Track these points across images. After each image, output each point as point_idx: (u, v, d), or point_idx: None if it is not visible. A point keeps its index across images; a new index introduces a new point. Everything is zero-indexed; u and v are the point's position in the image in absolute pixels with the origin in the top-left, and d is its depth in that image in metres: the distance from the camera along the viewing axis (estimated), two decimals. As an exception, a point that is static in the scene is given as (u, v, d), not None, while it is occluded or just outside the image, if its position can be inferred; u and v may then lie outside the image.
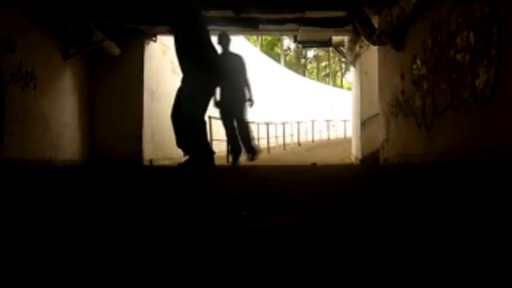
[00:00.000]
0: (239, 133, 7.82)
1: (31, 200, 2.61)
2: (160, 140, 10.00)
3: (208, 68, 5.55)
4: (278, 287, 1.08)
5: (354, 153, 10.74)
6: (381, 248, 1.41)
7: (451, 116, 4.72)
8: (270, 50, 39.23)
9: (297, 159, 12.03)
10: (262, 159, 12.85)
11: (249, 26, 8.81)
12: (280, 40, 38.93)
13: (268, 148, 16.23)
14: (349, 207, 2.24)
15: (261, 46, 34.87)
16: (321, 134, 24.53)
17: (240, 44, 17.21)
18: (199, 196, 2.81)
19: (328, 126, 25.93)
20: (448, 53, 4.77)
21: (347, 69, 39.38)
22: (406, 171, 5.02)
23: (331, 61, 45.42)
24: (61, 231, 1.71)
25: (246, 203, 2.34)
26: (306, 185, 3.45)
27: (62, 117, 7.56)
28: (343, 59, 23.59)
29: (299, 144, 20.26)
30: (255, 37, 31.03)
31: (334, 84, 42.17)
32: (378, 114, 8.40)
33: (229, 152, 7.94)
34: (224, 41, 7.75)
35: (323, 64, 48.37)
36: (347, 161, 11.16)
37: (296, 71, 35.41)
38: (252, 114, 16.55)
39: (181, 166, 6.06)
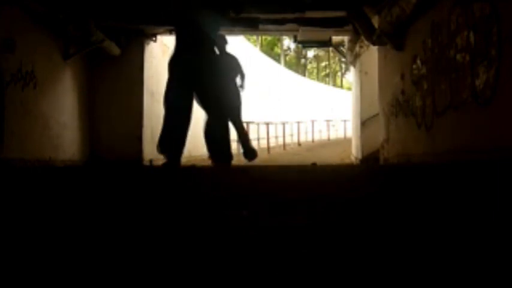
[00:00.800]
0: (237, 134, 7.80)
1: (31, 200, 2.61)
2: (160, 140, 9.99)
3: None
4: (278, 287, 1.08)
5: (354, 153, 10.74)
6: (381, 248, 1.41)
7: (451, 116, 4.72)
8: (270, 50, 39.21)
9: (297, 159, 12.03)
10: (262, 159, 12.83)
11: (249, 26, 8.81)
12: (280, 40, 38.89)
13: (268, 148, 16.22)
14: (349, 207, 2.24)
15: (261, 46, 34.85)
16: (321, 134, 24.51)
17: (240, 44, 17.21)
18: (199, 196, 2.81)
19: (328, 126, 25.91)
20: (448, 53, 4.77)
21: (347, 69, 39.36)
22: (406, 171, 5.02)
23: (331, 61, 45.40)
24: (61, 231, 1.71)
25: (246, 203, 2.34)
26: (306, 185, 3.45)
27: (62, 117, 7.56)
28: (343, 59, 23.59)
29: (299, 144, 20.24)
30: (255, 37, 31.00)
31: (334, 84, 42.15)
32: (378, 114, 8.40)
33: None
34: (220, 43, 7.77)
35: (323, 64, 48.34)
36: (347, 161, 11.16)
37: (296, 71, 35.39)
38: (252, 114, 16.59)
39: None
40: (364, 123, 9.48)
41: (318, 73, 48.01)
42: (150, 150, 9.19)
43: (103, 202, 2.53)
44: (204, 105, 6.47)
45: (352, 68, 11.29)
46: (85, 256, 1.36)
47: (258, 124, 16.75)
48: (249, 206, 2.18)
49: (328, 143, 20.70)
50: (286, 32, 10.38)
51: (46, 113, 6.96)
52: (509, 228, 1.61)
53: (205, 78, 5.83)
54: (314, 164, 6.76)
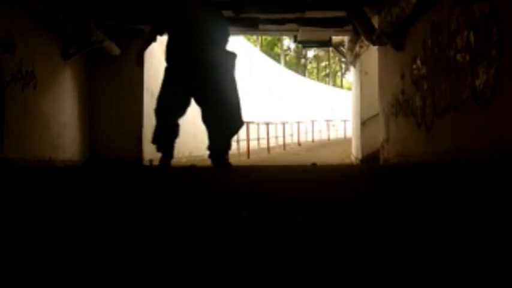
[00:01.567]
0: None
1: (31, 200, 2.61)
2: (160, 140, 10.00)
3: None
4: (278, 287, 1.08)
5: (354, 153, 10.74)
6: (381, 248, 1.41)
7: (451, 116, 4.72)
8: (270, 50, 39.21)
9: (296, 159, 12.03)
10: (262, 159, 12.85)
11: (249, 26, 8.81)
12: (280, 40, 38.90)
13: (268, 148, 16.23)
14: (349, 207, 2.24)
15: (261, 46, 34.84)
16: (321, 134, 24.52)
17: (240, 44, 17.21)
18: (199, 196, 2.81)
19: (328, 126, 25.91)
20: (448, 53, 4.77)
21: (347, 69, 39.36)
22: (406, 171, 5.02)
23: (331, 61, 45.41)
24: (62, 231, 1.71)
25: (246, 203, 2.34)
26: (306, 185, 3.45)
27: (62, 117, 7.56)
28: (343, 59, 23.58)
29: (299, 144, 20.25)
30: (255, 37, 31.01)
31: (334, 84, 42.15)
32: (378, 114, 8.40)
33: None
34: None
35: (323, 64, 48.36)
36: (347, 161, 11.16)
37: (296, 71, 35.40)
38: (252, 114, 16.59)
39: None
40: (364, 123, 9.48)
41: (318, 73, 48.01)
42: (150, 150, 9.19)
43: (103, 202, 2.54)
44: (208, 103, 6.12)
45: (352, 68, 11.29)
46: (85, 257, 1.36)
47: (258, 124, 16.75)
48: (249, 206, 2.18)
49: (328, 143, 20.71)
50: (286, 32, 10.38)
51: (46, 113, 6.96)
52: (509, 228, 1.61)
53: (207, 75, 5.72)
54: (314, 164, 6.76)
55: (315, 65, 49.67)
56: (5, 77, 5.76)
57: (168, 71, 5.94)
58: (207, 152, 6.49)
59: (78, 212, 2.17)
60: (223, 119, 5.88)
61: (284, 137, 18.97)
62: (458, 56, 4.52)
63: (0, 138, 5.58)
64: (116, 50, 8.63)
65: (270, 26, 9.07)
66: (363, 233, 1.62)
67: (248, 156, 13.23)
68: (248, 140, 14.01)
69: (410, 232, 1.63)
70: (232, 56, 6.45)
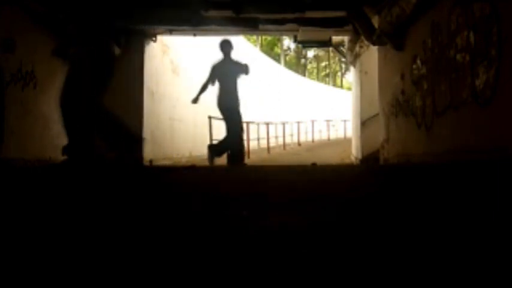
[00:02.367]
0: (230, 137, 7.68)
1: (31, 199, 2.61)
2: (161, 140, 10.00)
3: None
4: (278, 286, 1.08)
5: (354, 153, 10.74)
6: (380, 249, 1.41)
7: (451, 116, 4.72)
8: (270, 50, 39.19)
9: (297, 159, 12.02)
10: (262, 159, 12.84)
11: (249, 26, 8.80)
12: (280, 40, 38.87)
13: (268, 148, 16.22)
14: (349, 207, 2.24)
15: (261, 46, 34.83)
16: (321, 134, 24.51)
17: (240, 44, 17.20)
18: (199, 196, 2.81)
19: (328, 126, 25.91)
20: (448, 53, 4.77)
21: (347, 69, 39.34)
22: (406, 171, 5.02)
23: (331, 61, 45.39)
24: (64, 230, 1.71)
25: (246, 203, 2.34)
26: (306, 185, 3.45)
27: (62, 117, 7.55)
28: (343, 59, 23.57)
29: (299, 144, 20.24)
30: (255, 37, 30.99)
31: (334, 84, 42.13)
32: (378, 114, 8.40)
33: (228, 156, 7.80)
34: (226, 48, 7.65)
35: (323, 64, 48.33)
36: (347, 161, 11.16)
37: (296, 71, 35.38)
38: (252, 114, 16.58)
39: None
40: (364, 123, 9.48)
41: (318, 73, 47.99)
42: (150, 150, 9.20)
43: (104, 202, 2.53)
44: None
45: (352, 68, 11.29)
46: (85, 254, 1.36)
47: (258, 124, 16.73)
48: (248, 206, 2.18)
49: (328, 143, 20.70)
50: (286, 32, 10.37)
51: (46, 113, 6.95)
52: (509, 228, 1.61)
53: None
54: (314, 164, 6.75)
55: (315, 65, 49.65)
56: (5, 77, 5.76)
57: None
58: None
59: (80, 211, 2.17)
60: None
61: (284, 137, 18.96)
62: (458, 56, 4.51)
63: (0, 138, 5.58)
64: (116, 50, 8.62)
65: (270, 26, 9.06)
66: (362, 233, 1.62)
67: (248, 156, 13.22)
68: (248, 140, 14.02)
69: (410, 232, 1.63)
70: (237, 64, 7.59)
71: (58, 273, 1.17)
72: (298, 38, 10.08)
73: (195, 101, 7.70)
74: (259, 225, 1.76)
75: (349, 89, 24.20)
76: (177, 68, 11.46)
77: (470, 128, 4.27)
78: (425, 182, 3.45)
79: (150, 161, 8.96)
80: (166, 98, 10.48)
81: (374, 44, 7.85)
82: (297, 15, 8.30)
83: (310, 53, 46.63)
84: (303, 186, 3.38)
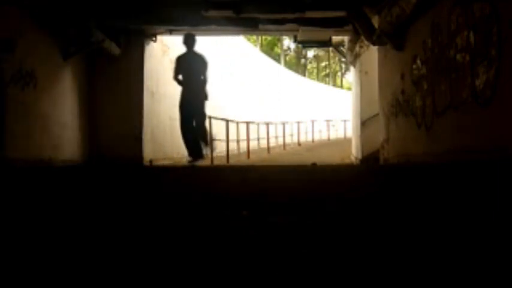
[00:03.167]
0: (196, 129, 7.92)
1: (32, 199, 2.61)
2: (161, 140, 9.99)
3: None
4: (278, 286, 1.08)
5: (354, 153, 10.74)
6: (380, 249, 1.40)
7: (451, 116, 4.72)
8: (270, 50, 39.17)
9: (297, 159, 12.02)
10: (262, 159, 12.83)
11: (249, 26, 8.80)
12: (280, 40, 38.86)
13: (268, 148, 16.21)
14: (349, 207, 2.24)
15: (261, 46, 34.82)
16: (321, 134, 24.50)
17: (240, 44, 17.19)
18: (199, 196, 2.81)
19: (328, 126, 25.90)
20: (448, 53, 4.77)
21: (347, 69, 39.33)
22: (406, 171, 5.02)
23: (331, 61, 45.37)
24: (59, 230, 1.71)
25: (246, 203, 2.34)
26: (306, 185, 3.45)
27: (62, 117, 7.56)
28: (343, 59, 23.56)
29: (299, 144, 20.23)
30: (255, 37, 30.98)
31: (334, 84, 42.11)
32: (378, 114, 8.40)
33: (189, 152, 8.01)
34: (189, 42, 8.02)
35: (323, 64, 48.30)
36: (347, 161, 11.16)
37: (296, 71, 35.35)
38: (252, 114, 16.58)
39: None
40: (364, 123, 9.47)
41: (318, 73, 47.98)
42: (150, 150, 9.20)
43: (106, 202, 2.53)
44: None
45: (352, 68, 11.29)
46: (87, 252, 1.36)
47: (258, 124, 16.73)
48: (248, 206, 2.18)
49: (328, 143, 20.70)
50: (286, 32, 10.37)
51: (46, 113, 6.95)
52: (509, 228, 1.61)
53: None
54: (314, 164, 6.76)
55: (315, 65, 49.62)
56: (5, 77, 5.76)
57: None
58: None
59: (82, 211, 2.17)
60: None
61: (284, 137, 18.95)
62: (458, 56, 4.51)
63: (0, 138, 5.58)
64: (116, 50, 8.62)
65: (270, 26, 9.06)
66: (362, 234, 1.62)
67: (248, 156, 13.21)
68: (248, 140, 14.01)
69: (410, 232, 1.63)
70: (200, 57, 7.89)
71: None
72: (298, 38, 10.08)
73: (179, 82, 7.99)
74: (259, 225, 1.76)
75: (349, 89, 24.19)
76: (177, 68, 11.43)
77: (470, 128, 4.27)
78: (425, 182, 3.45)
79: (150, 161, 8.96)
80: (166, 97, 10.48)
81: (374, 44, 7.85)
82: (297, 15, 8.29)
83: (310, 53, 46.63)
84: (303, 186, 3.38)
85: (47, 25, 6.77)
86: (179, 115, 7.99)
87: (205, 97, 7.98)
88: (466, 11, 4.34)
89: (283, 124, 19.46)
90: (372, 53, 8.91)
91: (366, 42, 8.34)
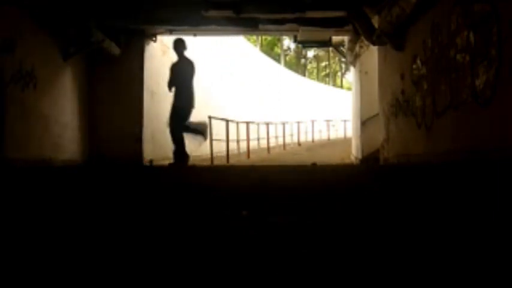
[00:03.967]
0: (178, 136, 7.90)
1: (32, 199, 2.61)
2: (161, 140, 9.99)
3: None
4: (277, 286, 1.08)
5: (354, 153, 10.73)
6: (380, 249, 1.40)
7: (451, 116, 4.72)
8: (270, 50, 39.17)
9: (297, 159, 12.02)
10: (262, 159, 12.83)
11: (249, 26, 8.80)
12: (280, 40, 38.87)
13: (268, 148, 16.21)
14: (349, 207, 2.24)
15: (261, 46, 34.82)
16: (321, 134, 24.50)
17: (240, 44, 17.19)
18: (199, 196, 2.80)
19: (328, 126, 25.90)
20: (448, 53, 4.77)
21: (347, 69, 39.33)
22: (406, 171, 5.02)
23: (331, 61, 45.37)
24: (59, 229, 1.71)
25: (246, 203, 2.34)
26: (306, 185, 3.45)
27: (62, 117, 7.55)
28: (343, 59, 23.56)
29: (299, 144, 20.24)
30: (255, 37, 30.98)
31: (334, 84, 42.11)
32: (378, 114, 8.40)
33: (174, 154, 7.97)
34: (180, 47, 8.03)
35: (323, 64, 48.31)
36: (347, 161, 11.16)
37: (296, 71, 35.35)
38: (252, 114, 16.58)
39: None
40: (364, 123, 9.47)
41: (318, 73, 47.98)
42: (150, 150, 9.19)
43: (108, 202, 2.53)
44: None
45: (352, 68, 11.29)
46: (91, 262, 1.36)
47: (258, 124, 16.73)
48: (248, 206, 2.18)
49: (328, 143, 20.70)
50: (286, 32, 10.37)
51: (46, 113, 6.95)
52: (509, 228, 1.61)
53: None
54: (314, 164, 6.76)
55: (315, 65, 49.63)
56: (5, 77, 5.76)
57: None
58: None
59: (84, 210, 2.16)
60: None
61: (284, 137, 18.95)
62: (458, 56, 4.51)
63: (0, 138, 5.58)
64: (116, 50, 8.62)
65: (270, 26, 9.06)
66: (362, 234, 1.62)
67: (248, 156, 13.22)
68: (248, 140, 14.01)
69: (410, 232, 1.63)
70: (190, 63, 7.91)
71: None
72: (298, 38, 10.08)
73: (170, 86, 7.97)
74: (259, 225, 1.76)
75: (349, 89, 24.19)
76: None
77: (470, 128, 4.27)
78: (425, 182, 3.45)
79: (150, 161, 8.95)
80: (166, 98, 10.47)
81: (374, 44, 7.85)
82: (297, 15, 8.29)
83: (310, 53, 46.63)
84: (303, 186, 3.38)
85: (47, 25, 6.76)
86: (169, 121, 7.93)
87: (192, 105, 7.96)
88: (466, 11, 4.34)
89: (283, 124, 19.46)
90: (372, 53, 8.91)
91: (366, 42, 8.34)
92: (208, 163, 9.79)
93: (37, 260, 1.31)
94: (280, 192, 2.85)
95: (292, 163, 9.72)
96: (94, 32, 7.52)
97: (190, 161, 8.10)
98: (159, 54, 10.13)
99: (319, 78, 44.49)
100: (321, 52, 43.65)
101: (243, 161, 10.15)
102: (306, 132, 22.82)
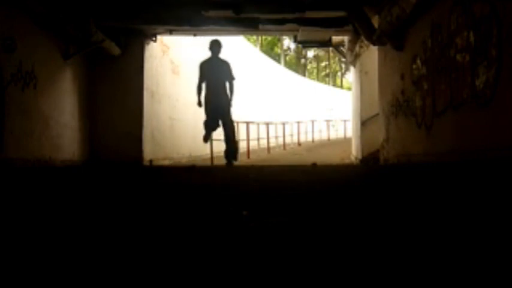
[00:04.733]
0: (224, 135, 7.88)
1: (32, 199, 2.61)
2: (161, 140, 9.99)
3: None
4: (277, 285, 1.08)
5: (354, 153, 10.73)
6: (380, 250, 1.40)
7: (451, 116, 4.72)
8: (270, 50, 39.15)
9: (297, 159, 12.02)
10: (262, 159, 12.84)
11: (249, 26, 8.80)
12: (280, 40, 38.84)
13: (268, 148, 16.21)
14: (350, 208, 2.24)
15: (261, 46, 34.80)
16: (321, 134, 24.50)
17: (240, 44, 17.17)
18: (198, 196, 2.81)
19: (328, 126, 25.89)
20: (448, 53, 4.77)
21: (347, 69, 39.31)
22: (406, 171, 5.02)
23: (331, 61, 45.34)
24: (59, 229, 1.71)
25: (246, 203, 2.34)
26: (306, 186, 3.44)
27: (62, 117, 7.56)
28: (343, 59, 23.54)
29: (299, 144, 20.23)
30: (255, 37, 30.96)
31: (334, 84, 42.10)
32: (378, 114, 8.40)
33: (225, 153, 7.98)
34: (215, 48, 7.98)
35: (323, 64, 48.29)
36: (347, 161, 11.16)
37: (296, 71, 35.33)
38: (252, 114, 16.57)
39: None
40: (364, 123, 9.47)
41: (318, 73, 47.97)
42: (150, 150, 9.20)
43: (111, 201, 2.53)
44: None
45: (352, 68, 11.28)
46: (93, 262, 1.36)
47: (258, 124, 16.72)
48: (248, 206, 2.18)
49: (328, 143, 20.70)
50: (286, 32, 10.37)
51: (46, 113, 6.95)
52: (509, 228, 1.61)
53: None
54: (314, 164, 6.76)
55: (315, 65, 49.60)
56: (5, 77, 5.76)
57: None
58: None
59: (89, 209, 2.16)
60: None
61: (284, 137, 18.95)
62: (458, 56, 4.51)
63: (0, 138, 5.58)
64: (116, 50, 8.63)
65: (270, 26, 9.06)
66: (363, 234, 1.62)
67: (248, 156, 13.21)
68: (248, 140, 14.01)
69: (410, 232, 1.63)
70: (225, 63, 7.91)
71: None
72: (298, 38, 10.08)
73: (200, 104, 7.84)
74: (259, 225, 1.76)
75: (349, 89, 24.18)
76: (177, 68, 11.46)
77: (470, 128, 4.27)
78: (425, 182, 3.45)
79: (150, 161, 8.96)
80: (166, 98, 10.48)
81: (374, 44, 7.85)
82: (297, 15, 8.30)
83: (310, 53, 46.59)
84: (303, 186, 3.38)
85: (47, 25, 6.77)
86: (205, 117, 7.92)
87: (230, 104, 7.91)
88: (466, 11, 4.34)
89: (283, 124, 19.45)
90: (372, 53, 8.91)
91: (366, 42, 8.34)
92: (208, 163, 9.79)
93: (37, 260, 1.31)
94: (280, 192, 2.85)
95: (292, 163, 9.72)
96: (94, 32, 7.52)
97: (190, 161, 8.11)
98: (159, 54, 10.13)
99: (319, 78, 44.48)
100: (321, 52, 43.62)
101: (243, 160, 10.15)
102: (306, 132, 22.81)
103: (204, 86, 7.87)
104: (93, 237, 1.60)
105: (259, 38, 33.51)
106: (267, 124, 17.54)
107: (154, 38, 9.37)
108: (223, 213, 2.06)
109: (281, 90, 23.00)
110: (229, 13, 8.12)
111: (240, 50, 16.84)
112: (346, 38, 10.36)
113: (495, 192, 2.44)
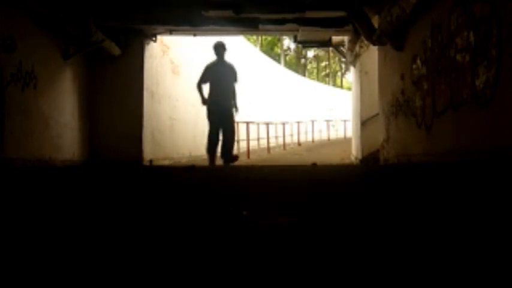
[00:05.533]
0: (223, 139, 7.89)
1: (32, 199, 2.61)
2: (161, 140, 9.99)
3: None
4: (277, 285, 1.08)
5: (354, 153, 10.73)
6: (379, 250, 1.40)
7: (451, 116, 4.72)
8: (270, 50, 39.16)
9: (297, 159, 12.02)
10: (262, 159, 12.84)
11: (249, 26, 8.80)
12: (280, 40, 38.85)
13: (268, 148, 16.21)
14: (350, 208, 2.24)
15: (261, 46, 34.81)
16: (321, 134, 24.49)
17: (240, 44, 17.17)
18: (198, 196, 2.80)
19: (328, 126, 25.89)
20: (448, 53, 4.77)
21: (347, 69, 39.31)
22: (406, 171, 5.02)
23: (331, 61, 45.36)
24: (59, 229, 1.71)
25: (246, 202, 2.34)
26: (306, 186, 3.45)
27: (62, 117, 7.56)
28: (343, 59, 23.55)
29: (299, 144, 20.23)
30: (255, 37, 30.96)
31: (334, 84, 42.11)
32: (378, 114, 8.40)
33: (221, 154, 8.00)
34: (219, 51, 8.04)
35: (323, 64, 48.29)
36: (347, 161, 11.16)
37: (296, 71, 35.33)
38: (252, 114, 16.57)
39: None
40: (364, 123, 9.47)
41: (318, 73, 47.97)
42: (150, 150, 9.20)
43: (113, 201, 2.53)
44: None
45: (352, 68, 11.28)
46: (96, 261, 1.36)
47: (258, 124, 16.72)
48: (248, 206, 2.18)
49: (328, 143, 20.70)
50: (286, 32, 10.37)
51: (46, 113, 6.95)
52: (509, 228, 1.61)
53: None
54: (314, 164, 6.75)
55: (315, 65, 49.61)
56: (5, 77, 5.76)
57: None
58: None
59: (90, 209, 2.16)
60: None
61: (284, 137, 18.94)
62: (458, 56, 4.51)
63: (0, 138, 5.58)
64: (116, 50, 8.63)
65: (270, 26, 9.06)
66: (363, 234, 1.62)
67: (248, 156, 13.21)
68: (248, 140, 14.01)
69: (410, 232, 1.63)
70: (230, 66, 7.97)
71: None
72: (298, 38, 10.08)
73: (204, 102, 7.88)
74: (259, 225, 1.76)
75: (349, 89, 24.18)
76: (177, 68, 11.46)
77: (470, 128, 4.27)
78: (425, 182, 3.45)
79: (150, 161, 8.96)
80: (166, 98, 10.48)
81: (374, 44, 7.84)
82: (297, 15, 8.29)
83: (310, 53, 46.60)
84: (303, 186, 3.38)
85: (47, 25, 6.77)
86: (208, 125, 7.95)
87: (236, 109, 7.93)
88: (466, 11, 4.34)
89: (283, 124, 19.45)
90: (372, 53, 8.91)
91: (366, 42, 8.34)
92: (207, 163, 9.78)
93: (37, 260, 1.31)
94: (280, 192, 2.85)
95: (292, 163, 9.72)
96: (94, 32, 7.52)
97: (190, 161, 8.12)
98: (159, 54, 10.13)
99: (319, 78, 44.48)
100: (321, 52, 43.62)
101: (243, 161, 10.14)
102: (306, 132, 22.81)
103: (207, 89, 7.88)
104: (93, 237, 1.60)
105: (259, 38, 33.52)
106: (267, 124, 17.54)
107: (154, 38, 9.37)
108: (223, 213, 2.06)
109: (281, 90, 23.00)
110: (229, 13, 8.11)
111: (240, 50, 16.86)
112: (346, 38, 10.36)
113: (495, 192, 2.44)
